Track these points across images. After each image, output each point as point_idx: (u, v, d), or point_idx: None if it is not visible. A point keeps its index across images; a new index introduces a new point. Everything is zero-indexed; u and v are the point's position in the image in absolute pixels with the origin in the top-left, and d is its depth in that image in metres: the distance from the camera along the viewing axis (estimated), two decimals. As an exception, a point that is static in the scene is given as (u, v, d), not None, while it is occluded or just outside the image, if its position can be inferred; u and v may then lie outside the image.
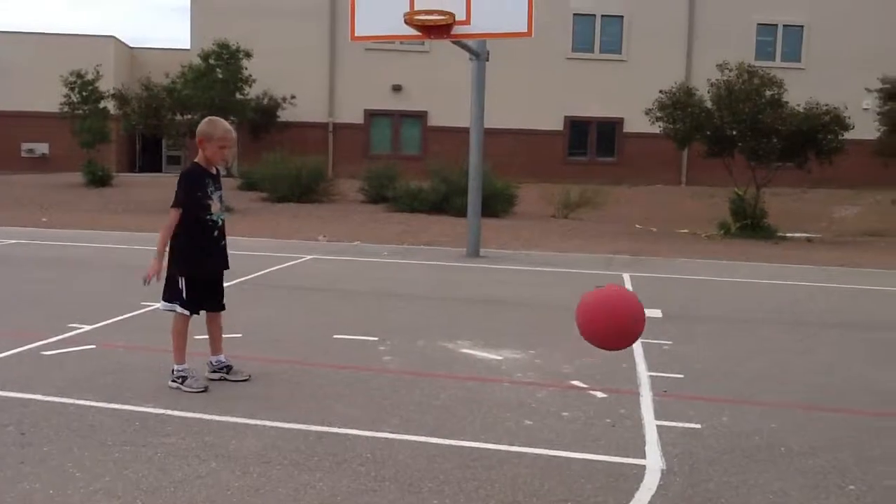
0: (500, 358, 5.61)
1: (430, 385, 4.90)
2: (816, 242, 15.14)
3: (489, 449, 3.85)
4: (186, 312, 4.66)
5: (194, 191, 4.58)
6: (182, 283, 4.63)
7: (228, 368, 4.82)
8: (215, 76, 20.17)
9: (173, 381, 4.62)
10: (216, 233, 4.68)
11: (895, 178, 19.69)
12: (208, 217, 4.62)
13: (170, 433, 3.94)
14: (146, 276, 4.58)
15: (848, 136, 15.94)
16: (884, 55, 20.34)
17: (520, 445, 3.90)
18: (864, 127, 17.43)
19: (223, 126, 4.63)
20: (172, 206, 4.60)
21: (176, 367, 4.64)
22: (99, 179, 22.03)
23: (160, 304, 4.77)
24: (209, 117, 4.81)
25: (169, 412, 4.23)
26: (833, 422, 4.43)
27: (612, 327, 3.38)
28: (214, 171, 4.72)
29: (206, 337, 4.90)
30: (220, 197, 4.73)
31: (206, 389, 4.58)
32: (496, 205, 17.03)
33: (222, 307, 4.88)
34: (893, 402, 4.78)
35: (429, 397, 4.65)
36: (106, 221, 14.52)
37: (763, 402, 4.74)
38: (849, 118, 15.69)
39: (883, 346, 6.45)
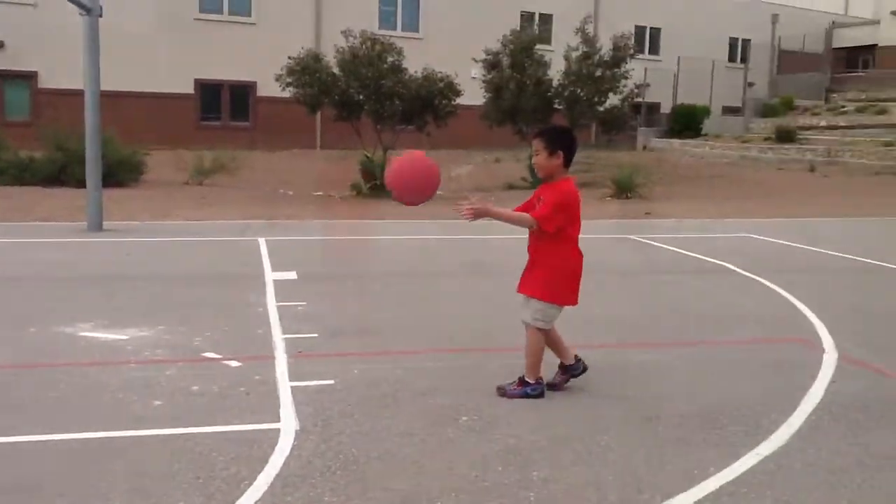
0: (125, 338, 5.24)
1: (46, 376, 4.43)
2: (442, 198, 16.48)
3: (114, 437, 3.59)
4: None
5: None
6: None
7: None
8: None
9: None
10: None
11: (499, 139, 22.05)
12: None
13: None
14: None
15: (460, 101, 17.59)
16: (487, 29, 22.49)
17: (147, 428, 3.69)
18: (473, 93, 19.26)
19: None
20: None
21: None
22: None
23: None
24: None
25: None
26: (450, 361, 4.88)
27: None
28: None
29: None
30: None
31: None
32: (122, 173, 15.87)
33: None
34: (495, 338, 5.39)
35: (44, 390, 4.20)
36: None
37: (391, 352, 5.05)
38: (459, 85, 17.29)
39: (500, 289, 7.20)
